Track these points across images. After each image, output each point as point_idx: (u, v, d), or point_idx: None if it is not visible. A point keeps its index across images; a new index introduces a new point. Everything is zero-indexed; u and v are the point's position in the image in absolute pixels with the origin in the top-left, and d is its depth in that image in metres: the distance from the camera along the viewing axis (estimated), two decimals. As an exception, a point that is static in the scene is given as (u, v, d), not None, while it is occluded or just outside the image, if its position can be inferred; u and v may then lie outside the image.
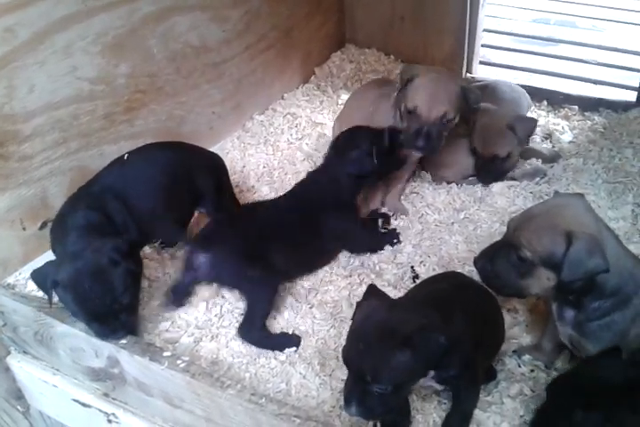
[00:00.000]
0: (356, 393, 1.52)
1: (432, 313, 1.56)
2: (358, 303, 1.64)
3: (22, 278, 2.22)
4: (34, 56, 2.01)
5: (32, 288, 2.19)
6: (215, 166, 2.40)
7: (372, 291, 1.67)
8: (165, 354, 1.83)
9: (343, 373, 1.95)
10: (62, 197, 2.24)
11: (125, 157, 2.18)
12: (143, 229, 2.12)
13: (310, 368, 1.98)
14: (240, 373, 1.98)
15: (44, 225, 2.23)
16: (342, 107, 3.01)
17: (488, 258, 1.69)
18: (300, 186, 2.41)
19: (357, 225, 2.39)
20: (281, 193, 2.68)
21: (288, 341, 2.08)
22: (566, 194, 1.85)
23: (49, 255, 2.27)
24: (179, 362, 1.81)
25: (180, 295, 2.16)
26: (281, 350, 2.05)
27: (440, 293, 1.76)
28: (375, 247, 2.40)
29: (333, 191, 2.33)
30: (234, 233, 2.11)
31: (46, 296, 1.89)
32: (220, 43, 2.79)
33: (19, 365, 2.19)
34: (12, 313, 2.09)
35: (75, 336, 1.95)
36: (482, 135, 2.65)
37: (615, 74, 3.77)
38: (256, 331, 2.07)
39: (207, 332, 2.13)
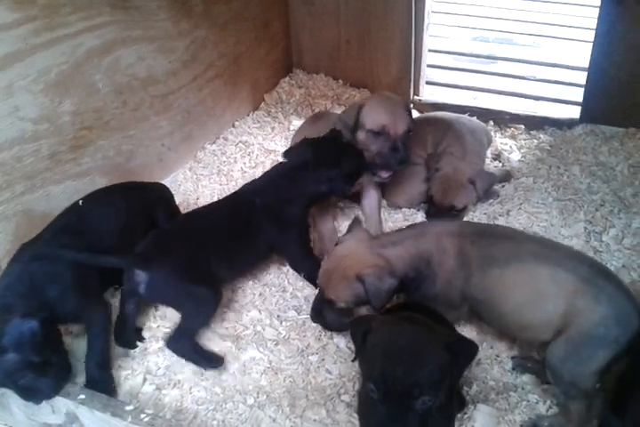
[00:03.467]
0: (399, 421, 1.46)
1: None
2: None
3: (-33, 332, 2.08)
4: (-28, 98, 1.90)
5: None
6: (164, 197, 2.41)
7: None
8: (128, 408, 1.75)
9: (314, 412, 1.92)
10: (7, 244, 2.15)
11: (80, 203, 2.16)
12: (103, 273, 2.06)
13: (280, 411, 1.93)
14: (207, 421, 1.91)
15: (-11, 274, 2.10)
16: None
17: (317, 313, 2.03)
18: (245, 190, 2.35)
19: (303, 249, 2.35)
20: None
21: (213, 360, 2.05)
22: (344, 239, 2.03)
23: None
24: (142, 416, 1.74)
25: (129, 332, 2.11)
26: (204, 367, 2.05)
27: None
28: (312, 281, 2.30)
29: (287, 205, 2.27)
30: (173, 248, 2.06)
31: None
32: (167, 74, 2.72)
33: (-30, 425, 2.06)
34: (-40, 371, 1.96)
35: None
36: (442, 186, 2.65)
37: (555, 89, 3.89)
38: (186, 342, 2.04)
39: (167, 379, 2.04)
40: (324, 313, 1.98)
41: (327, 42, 3.60)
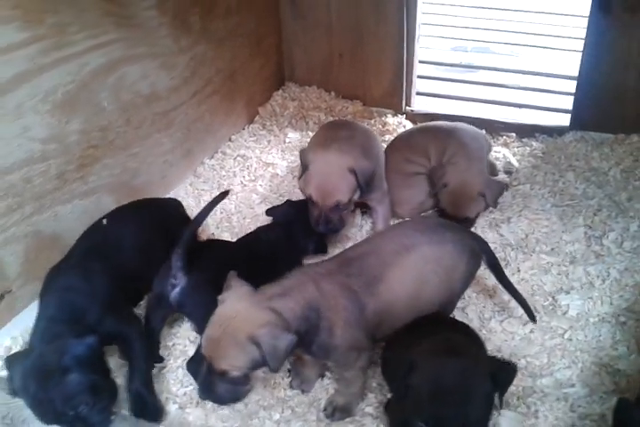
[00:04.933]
0: None
1: None
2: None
3: (-18, 358, 2.04)
4: (-17, 120, 1.87)
5: (-6, 368, 2.02)
6: (179, 212, 2.43)
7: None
8: (155, 430, 1.74)
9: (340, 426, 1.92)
10: (18, 267, 2.12)
11: (104, 222, 2.15)
12: (131, 292, 2.07)
13: (307, 425, 1.92)
14: (235, 440, 1.89)
15: (1, 298, 2.07)
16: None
17: (207, 389, 1.73)
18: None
19: None
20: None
21: None
22: (224, 298, 1.74)
23: (8, 330, 2.15)
24: (169, 438, 1.71)
25: (155, 348, 2.11)
26: None
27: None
28: None
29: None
30: (207, 263, 2.09)
31: None
32: (168, 90, 2.72)
33: (-18, 452, 2.00)
34: (-24, 398, 1.91)
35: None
36: (453, 201, 2.68)
37: (537, 97, 3.93)
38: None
39: (189, 398, 2.02)
40: (216, 387, 1.68)
41: (319, 55, 3.62)
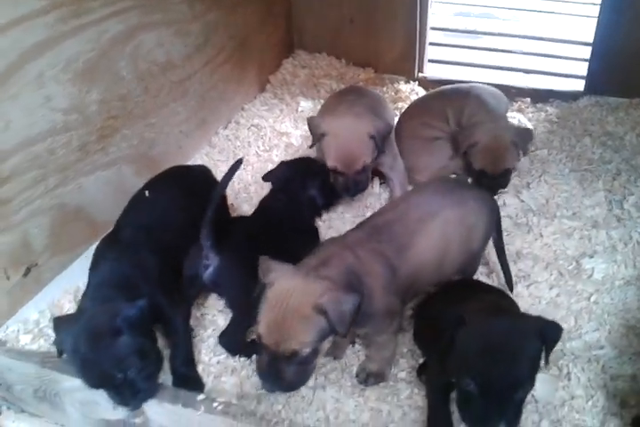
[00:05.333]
0: (501, 411, 1.47)
1: None
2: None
3: (12, 332, 2.04)
4: (7, 90, 1.82)
5: (25, 342, 2.02)
6: (211, 178, 2.39)
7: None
8: (199, 398, 1.74)
9: (373, 392, 1.93)
10: (44, 239, 2.09)
11: (146, 194, 2.12)
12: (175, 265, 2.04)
13: (342, 391, 1.93)
14: (272, 405, 1.90)
15: (27, 271, 2.05)
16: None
17: (276, 379, 1.61)
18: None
19: None
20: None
21: (256, 349, 1.99)
22: (272, 280, 1.65)
23: (35, 304, 2.13)
24: (215, 405, 1.72)
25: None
26: (249, 357, 2.04)
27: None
28: None
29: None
30: (240, 242, 2.09)
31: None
32: (183, 58, 2.66)
33: (14, 425, 2.00)
34: (7, 372, 1.92)
35: (87, 390, 1.80)
36: (489, 155, 2.64)
37: (543, 62, 3.88)
38: (238, 341, 2.05)
39: (223, 367, 2.03)
40: (285, 374, 1.59)
41: (330, 21, 3.54)
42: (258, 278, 1.73)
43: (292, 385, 1.64)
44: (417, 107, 2.98)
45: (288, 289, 1.58)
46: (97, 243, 2.25)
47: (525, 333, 1.53)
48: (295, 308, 1.56)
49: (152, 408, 1.76)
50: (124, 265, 1.88)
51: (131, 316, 1.67)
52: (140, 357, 1.68)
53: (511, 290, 2.24)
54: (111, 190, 2.33)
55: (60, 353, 1.72)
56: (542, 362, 1.57)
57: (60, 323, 1.72)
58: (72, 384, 1.82)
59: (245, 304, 2.02)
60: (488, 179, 2.68)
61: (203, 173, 2.39)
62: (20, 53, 1.84)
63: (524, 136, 2.71)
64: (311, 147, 2.58)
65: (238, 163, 2.07)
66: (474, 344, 1.52)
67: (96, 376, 1.66)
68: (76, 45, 2.04)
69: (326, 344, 1.64)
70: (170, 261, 2.00)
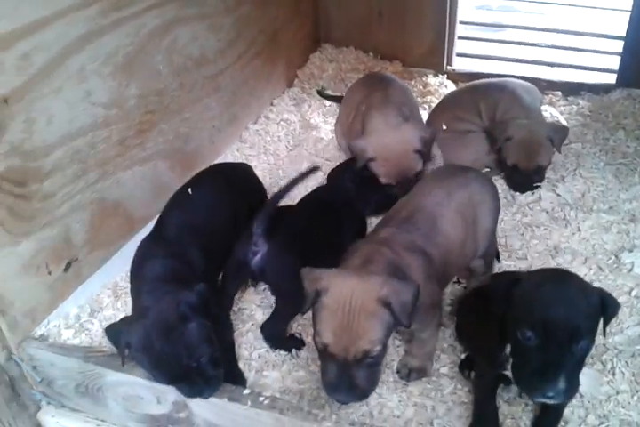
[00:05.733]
0: (562, 364, 1.43)
1: None
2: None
3: (53, 327, 2.04)
4: (50, 84, 1.82)
5: (67, 336, 2.03)
6: (254, 175, 2.40)
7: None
8: (245, 392, 1.73)
9: (416, 388, 1.92)
10: (84, 234, 2.10)
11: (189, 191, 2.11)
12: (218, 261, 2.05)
13: (385, 387, 1.92)
14: (316, 400, 1.89)
15: (68, 266, 2.05)
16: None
17: (350, 388, 1.57)
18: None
19: None
20: (292, 204, 2.63)
21: (295, 343, 2.07)
22: (326, 286, 1.60)
23: (75, 299, 2.13)
24: (261, 399, 1.71)
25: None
26: (288, 350, 2.05)
27: None
28: None
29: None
30: (289, 229, 2.07)
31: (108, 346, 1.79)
32: (216, 53, 2.65)
33: (54, 420, 2.01)
34: (49, 367, 1.92)
35: (131, 384, 1.82)
36: (523, 150, 2.63)
37: (568, 55, 3.81)
38: (281, 332, 2.05)
39: (264, 361, 2.03)
40: (357, 380, 1.56)
41: (358, 15, 3.52)
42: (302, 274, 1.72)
43: (365, 392, 1.60)
44: (449, 101, 2.96)
45: (347, 290, 1.55)
46: (134, 238, 2.28)
47: (586, 290, 1.52)
48: (360, 306, 1.53)
49: (196, 403, 1.75)
50: (174, 261, 1.88)
51: (193, 302, 1.66)
52: (209, 342, 1.68)
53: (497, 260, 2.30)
54: (148, 185, 2.33)
55: (123, 361, 1.69)
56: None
57: (117, 329, 1.69)
58: (116, 379, 1.83)
59: (291, 292, 1.99)
60: (521, 175, 2.67)
61: (245, 170, 2.39)
62: (63, 47, 1.83)
63: (560, 133, 2.69)
64: (360, 168, 2.49)
65: (314, 169, 2.10)
66: (533, 296, 1.50)
67: (173, 370, 1.63)
68: (115, 39, 2.04)
69: (389, 342, 1.63)
70: (213, 257, 2.00)
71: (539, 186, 2.71)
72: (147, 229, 2.14)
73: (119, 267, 2.25)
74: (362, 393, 1.60)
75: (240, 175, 2.32)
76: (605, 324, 1.54)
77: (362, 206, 2.45)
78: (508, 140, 2.63)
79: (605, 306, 1.50)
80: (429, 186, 2.04)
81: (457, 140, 2.80)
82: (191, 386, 1.67)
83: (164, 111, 2.36)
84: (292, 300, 1.99)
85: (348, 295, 1.54)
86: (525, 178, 2.67)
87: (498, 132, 2.67)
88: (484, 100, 2.83)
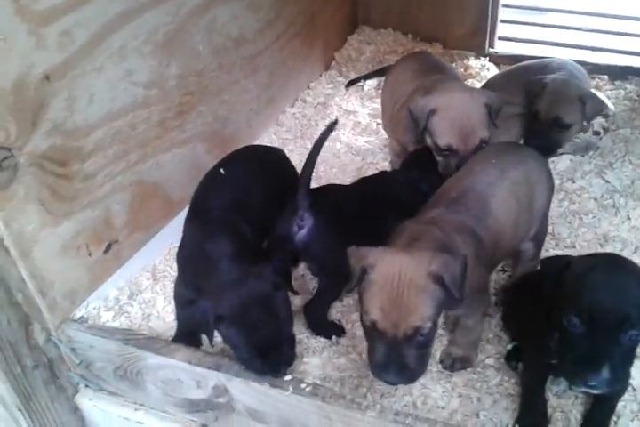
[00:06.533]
0: (607, 353, 1.38)
1: None
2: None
3: (93, 309, 2.02)
4: (91, 61, 1.78)
5: (107, 319, 2.02)
6: (287, 159, 2.34)
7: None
8: (287, 378, 1.69)
9: (461, 379, 1.86)
10: (124, 216, 2.07)
11: (222, 172, 2.06)
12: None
13: (428, 376, 1.87)
14: (357, 388, 1.85)
15: (108, 248, 2.03)
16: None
17: (401, 367, 1.51)
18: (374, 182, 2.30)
19: None
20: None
21: (335, 330, 2.03)
22: (373, 263, 1.54)
23: (114, 281, 2.11)
24: (303, 386, 1.67)
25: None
26: (328, 337, 2.00)
27: None
28: None
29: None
30: (335, 207, 2.01)
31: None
32: (255, 33, 2.60)
33: (91, 403, 2.00)
34: (88, 349, 1.91)
35: (171, 368, 1.80)
36: (549, 99, 2.53)
37: (608, 39, 3.65)
38: (321, 315, 2.01)
39: (304, 346, 1.99)
40: (408, 359, 1.49)
41: (397, -5, 3.43)
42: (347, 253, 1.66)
43: (414, 374, 1.53)
44: (495, 85, 2.85)
45: (395, 266, 1.49)
46: (173, 221, 2.26)
47: (639, 277, 1.44)
48: (409, 281, 1.47)
49: (237, 387, 1.72)
50: (236, 239, 1.84)
51: (280, 270, 1.69)
52: (291, 315, 1.70)
53: None
54: (186, 168, 2.30)
55: (211, 339, 1.67)
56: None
57: (194, 315, 1.69)
58: (156, 362, 1.81)
59: (336, 270, 1.92)
60: (538, 127, 2.61)
61: (277, 154, 2.33)
62: (104, 24, 1.79)
63: (596, 102, 2.58)
64: (421, 134, 2.30)
65: (334, 124, 1.97)
66: (582, 281, 1.44)
67: (266, 339, 1.63)
68: (155, 17, 1.99)
69: (440, 319, 1.58)
70: (262, 235, 1.98)
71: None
72: (185, 212, 2.11)
73: (158, 250, 2.23)
74: (411, 375, 1.53)
75: (273, 158, 2.25)
76: None
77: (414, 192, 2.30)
78: (543, 87, 2.56)
79: None
80: (481, 164, 1.95)
81: (500, 125, 2.70)
82: (267, 362, 1.65)
83: (202, 92, 2.32)
84: (336, 279, 1.95)
85: (397, 271, 1.49)
86: (540, 130, 2.58)
87: (536, 83, 2.60)
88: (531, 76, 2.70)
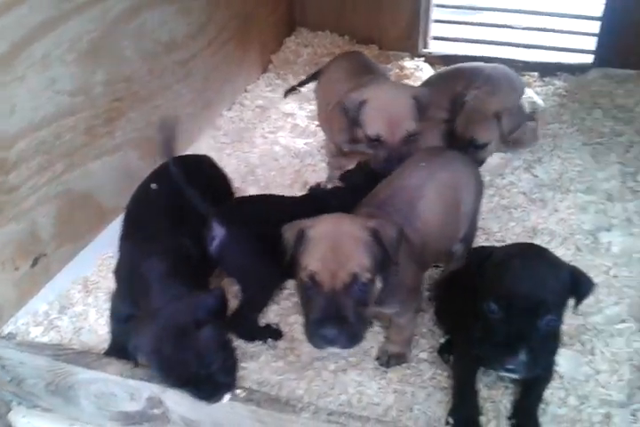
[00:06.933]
0: (523, 338, 1.44)
1: None
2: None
3: (22, 325, 1.99)
4: (12, 72, 1.75)
5: (36, 334, 1.98)
6: (215, 165, 2.33)
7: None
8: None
9: (396, 374, 1.90)
10: (52, 228, 2.04)
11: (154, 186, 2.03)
12: None
13: (364, 374, 1.90)
14: (294, 390, 1.86)
15: (35, 261, 2.00)
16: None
17: (339, 321, 1.48)
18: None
19: None
20: (269, 192, 2.58)
21: (272, 333, 2.03)
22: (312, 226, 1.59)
23: (44, 295, 2.08)
24: (238, 392, 1.68)
25: None
26: (264, 340, 2.00)
27: None
28: None
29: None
30: (251, 215, 2.00)
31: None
32: (186, 37, 2.59)
33: (25, 420, 1.95)
34: (18, 366, 1.86)
35: (104, 381, 1.78)
36: (466, 118, 2.55)
37: (543, 36, 3.77)
38: (250, 324, 2.00)
39: (241, 352, 1.96)
40: (347, 313, 1.49)
41: (332, -3, 3.47)
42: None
43: (354, 329, 1.49)
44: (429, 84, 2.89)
45: (334, 222, 1.56)
46: (106, 230, 2.23)
47: (556, 266, 1.52)
48: (348, 233, 1.52)
49: (171, 398, 1.71)
50: (173, 256, 1.80)
51: (212, 306, 1.62)
52: (223, 348, 1.64)
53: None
54: (117, 176, 2.27)
55: (135, 363, 1.66)
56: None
57: (122, 331, 1.68)
58: (87, 376, 1.78)
59: (254, 280, 1.97)
60: (457, 145, 2.58)
61: (206, 161, 2.32)
62: (26, 33, 1.77)
63: (515, 119, 2.59)
64: (353, 128, 2.35)
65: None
66: (500, 269, 1.51)
67: (182, 376, 1.58)
68: (79, 25, 1.97)
69: (379, 284, 1.57)
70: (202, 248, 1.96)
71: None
72: (118, 220, 2.08)
73: (90, 261, 2.21)
74: (351, 331, 1.49)
75: (201, 167, 2.23)
76: (578, 301, 1.54)
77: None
78: (463, 104, 2.57)
79: (577, 284, 1.50)
80: (410, 168, 1.99)
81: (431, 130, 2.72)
82: (199, 391, 1.61)
83: (132, 98, 2.30)
84: (256, 289, 1.97)
85: (336, 226, 1.54)
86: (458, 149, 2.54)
87: (460, 98, 2.62)
88: (461, 84, 2.72)
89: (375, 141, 2.27)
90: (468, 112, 2.56)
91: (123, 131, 2.29)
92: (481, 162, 2.60)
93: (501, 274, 1.50)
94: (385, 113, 2.23)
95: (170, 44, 2.49)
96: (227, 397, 1.64)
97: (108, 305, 2.02)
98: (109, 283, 2.15)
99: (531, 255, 1.55)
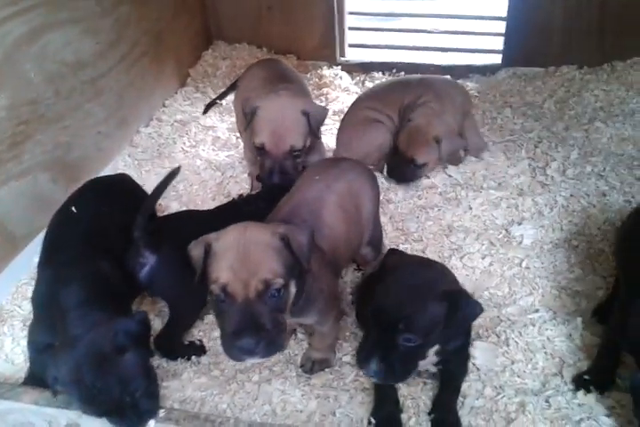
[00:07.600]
0: (380, 349, 1.53)
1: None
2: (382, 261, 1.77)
3: None
4: None
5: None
6: (134, 186, 2.31)
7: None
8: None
9: (319, 380, 1.92)
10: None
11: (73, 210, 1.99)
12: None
13: (288, 382, 1.91)
14: (216, 405, 1.85)
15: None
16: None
17: (256, 328, 1.47)
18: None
19: None
20: (192, 207, 2.58)
21: (195, 350, 2.03)
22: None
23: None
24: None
25: None
26: (188, 358, 2.00)
27: None
28: None
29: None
30: (179, 239, 1.92)
31: None
32: (94, 56, 2.57)
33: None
34: None
35: (20, 411, 1.74)
36: (408, 138, 2.64)
37: (458, 39, 3.87)
38: (173, 344, 2.00)
39: (164, 371, 1.97)
40: (264, 320, 1.48)
41: (247, 10, 3.50)
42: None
43: (272, 336, 1.48)
44: (372, 93, 2.92)
45: (241, 232, 1.53)
46: (18, 257, 2.18)
47: (430, 285, 1.59)
48: (256, 240, 1.51)
49: (88, 423, 1.68)
50: (92, 281, 1.78)
51: (133, 331, 1.59)
52: (145, 375, 1.62)
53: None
54: (28, 201, 2.24)
55: (55, 392, 1.62)
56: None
57: (39, 363, 1.64)
58: (3, 407, 1.74)
59: (184, 304, 1.98)
60: (397, 159, 2.70)
61: (125, 181, 2.30)
62: None
63: (454, 142, 2.69)
64: (245, 129, 2.40)
65: (177, 170, 2.00)
66: (380, 281, 1.62)
67: (105, 404, 1.55)
68: (-24, 50, 1.94)
69: (293, 289, 1.57)
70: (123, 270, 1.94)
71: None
72: (31, 247, 2.05)
73: (3, 289, 2.16)
74: (270, 338, 1.47)
75: (120, 187, 2.22)
76: (455, 322, 1.59)
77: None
78: (409, 121, 2.64)
79: (455, 307, 1.56)
80: (307, 181, 2.03)
81: (359, 128, 2.78)
82: (123, 420, 1.59)
83: (39, 121, 2.27)
84: (185, 309, 1.97)
85: (243, 235, 1.52)
86: (399, 164, 2.69)
87: (406, 114, 2.70)
88: (408, 96, 2.78)
89: (262, 150, 2.28)
90: (412, 132, 2.65)
91: (31, 154, 2.26)
92: (418, 178, 2.72)
93: (376, 288, 1.61)
94: (271, 124, 2.25)
95: (76, 65, 2.47)
96: (151, 423, 1.63)
97: (24, 333, 1.98)
98: (25, 311, 2.12)
99: (405, 276, 1.62)
